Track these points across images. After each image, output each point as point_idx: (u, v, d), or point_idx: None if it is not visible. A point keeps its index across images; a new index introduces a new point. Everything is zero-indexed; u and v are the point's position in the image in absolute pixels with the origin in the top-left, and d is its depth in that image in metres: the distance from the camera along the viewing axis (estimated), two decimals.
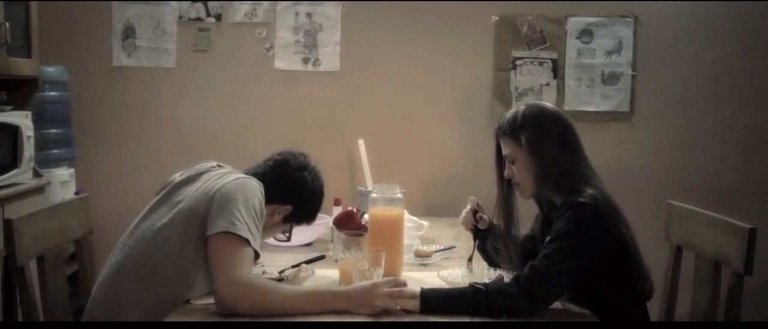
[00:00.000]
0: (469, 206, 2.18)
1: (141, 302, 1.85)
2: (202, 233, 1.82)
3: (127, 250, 1.92)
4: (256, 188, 1.91)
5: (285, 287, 1.85)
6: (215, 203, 1.83)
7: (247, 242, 1.78)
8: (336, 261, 2.13)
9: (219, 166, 2.08)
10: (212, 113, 3.45)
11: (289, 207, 2.06)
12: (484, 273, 2.02)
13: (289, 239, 2.16)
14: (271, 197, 2.00)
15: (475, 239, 2.18)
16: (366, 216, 2.21)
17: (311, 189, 2.09)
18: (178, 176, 2.04)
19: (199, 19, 3.42)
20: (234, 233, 1.76)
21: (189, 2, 3.41)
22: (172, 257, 1.85)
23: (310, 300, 1.74)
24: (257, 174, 2.05)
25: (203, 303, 1.82)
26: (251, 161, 2.14)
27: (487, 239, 2.16)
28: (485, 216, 2.17)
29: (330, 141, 3.44)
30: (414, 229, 2.54)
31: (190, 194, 1.91)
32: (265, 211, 1.93)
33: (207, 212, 1.83)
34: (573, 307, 1.85)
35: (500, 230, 2.08)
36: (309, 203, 2.10)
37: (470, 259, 2.14)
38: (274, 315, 1.70)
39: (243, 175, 1.98)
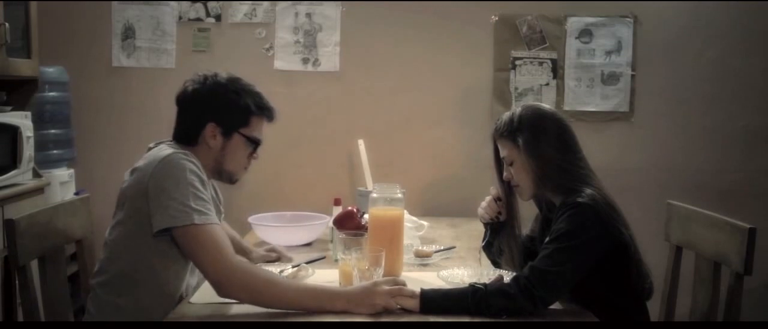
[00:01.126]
0: (489, 198, 2.12)
1: (117, 310, 1.87)
2: (151, 229, 1.80)
3: (98, 264, 1.95)
4: (180, 160, 1.83)
5: (286, 280, 1.85)
6: (150, 197, 1.80)
7: (202, 223, 1.76)
8: (336, 261, 2.13)
9: (155, 144, 2.00)
10: None
11: (211, 124, 1.96)
12: (484, 273, 2.02)
13: (257, 142, 2.03)
14: (195, 135, 1.96)
15: (494, 231, 2.14)
16: (366, 216, 2.21)
17: (207, 93, 1.97)
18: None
19: (198, 19, 3.42)
20: (184, 226, 1.75)
21: (189, 2, 3.41)
22: (138, 258, 1.86)
23: (309, 297, 1.74)
24: (177, 134, 2.00)
25: (203, 302, 1.82)
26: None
27: (495, 237, 2.13)
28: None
29: (330, 141, 3.44)
30: (414, 229, 2.54)
31: (128, 192, 1.88)
32: (202, 173, 1.87)
33: (148, 207, 1.80)
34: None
35: (509, 228, 2.07)
36: (216, 101, 1.97)
37: (489, 245, 2.14)
38: (272, 307, 1.71)
39: (168, 150, 1.88)
